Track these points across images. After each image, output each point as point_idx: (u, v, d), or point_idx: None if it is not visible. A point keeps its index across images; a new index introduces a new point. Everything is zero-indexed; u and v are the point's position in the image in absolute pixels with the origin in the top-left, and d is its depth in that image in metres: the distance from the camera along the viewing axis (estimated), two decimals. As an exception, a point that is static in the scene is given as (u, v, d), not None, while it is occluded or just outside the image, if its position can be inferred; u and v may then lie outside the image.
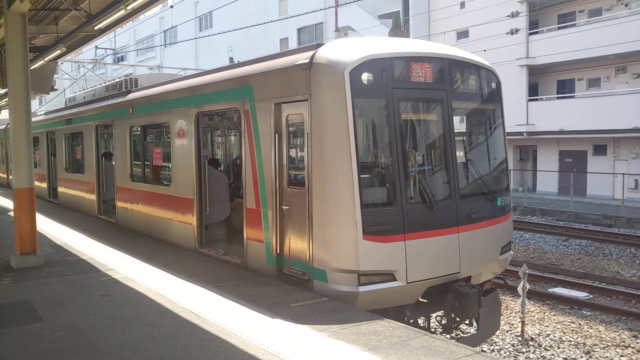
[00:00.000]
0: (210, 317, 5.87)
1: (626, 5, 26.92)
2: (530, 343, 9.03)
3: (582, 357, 8.54)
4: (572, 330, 9.65)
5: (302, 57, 6.73)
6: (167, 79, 11.74)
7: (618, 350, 8.74)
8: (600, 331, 9.56)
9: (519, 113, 28.97)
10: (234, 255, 8.50)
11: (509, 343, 9.05)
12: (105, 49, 32.99)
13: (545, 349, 8.80)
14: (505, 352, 8.73)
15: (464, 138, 7.65)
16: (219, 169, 11.44)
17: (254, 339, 5.22)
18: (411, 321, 6.93)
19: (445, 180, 7.03)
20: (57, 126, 17.02)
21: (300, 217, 6.82)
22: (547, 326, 9.85)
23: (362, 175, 6.28)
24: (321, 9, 31.00)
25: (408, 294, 6.57)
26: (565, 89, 30.37)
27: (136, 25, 53.90)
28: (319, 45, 6.82)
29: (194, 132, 9.12)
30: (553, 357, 8.54)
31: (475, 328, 7.41)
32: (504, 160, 8.07)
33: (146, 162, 11.49)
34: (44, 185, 18.56)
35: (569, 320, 10.15)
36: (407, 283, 6.41)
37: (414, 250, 6.45)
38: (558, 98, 30.05)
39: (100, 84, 14.96)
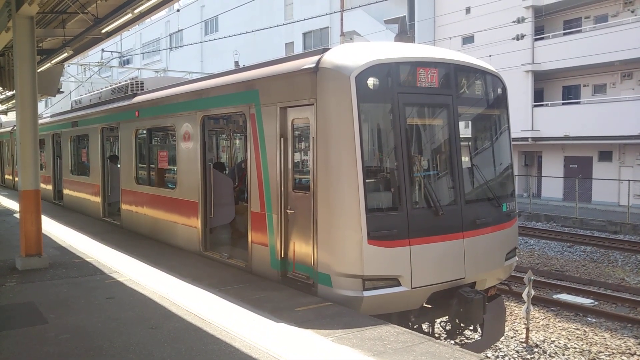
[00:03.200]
0: (214, 321, 5.87)
1: (632, 12, 26.88)
2: (535, 349, 8.99)
3: (587, 364, 8.50)
4: (577, 337, 9.60)
5: (308, 62, 6.74)
6: (173, 82, 11.78)
7: (624, 358, 8.68)
8: (605, 338, 9.51)
9: (524, 119, 28.93)
10: (239, 259, 8.50)
11: (513, 349, 9.01)
12: (111, 52, 33.10)
13: (550, 356, 8.75)
14: (509, 359, 8.69)
15: (470, 143, 7.64)
16: (224, 172, 11.46)
17: (258, 342, 5.22)
18: (415, 326, 6.90)
19: (451, 186, 7.02)
20: (63, 128, 17.09)
21: (305, 221, 6.82)
22: (552, 333, 9.80)
23: (367, 180, 6.28)
24: (327, 14, 31.01)
25: (412, 299, 6.55)
26: (570, 94, 30.31)
27: (142, 29, 54.13)
28: (325, 49, 6.83)
29: (200, 135, 9.14)
30: (558, 364, 8.50)
31: (480, 334, 7.38)
32: (510, 165, 8.05)
33: (151, 165, 11.51)
34: (50, 187, 18.62)
35: (573, 327, 10.10)
36: (412, 288, 6.39)
37: (419, 256, 6.43)
38: (563, 104, 29.99)
39: (106, 87, 15.01)
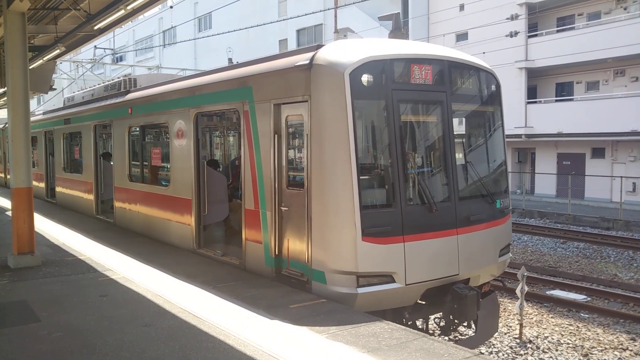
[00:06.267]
0: (208, 318, 5.86)
1: (625, 9, 27.00)
2: (529, 345, 9.03)
3: (580, 359, 8.54)
4: (570, 332, 9.65)
5: (302, 58, 6.72)
6: (166, 79, 11.72)
7: (616, 353, 8.74)
8: (598, 334, 9.57)
9: (517, 115, 29.01)
10: (233, 256, 8.48)
11: (507, 345, 9.05)
12: (104, 49, 32.96)
13: (544, 352, 8.80)
14: (503, 355, 8.73)
15: (464, 140, 7.65)
16: (218, 169, 11.43)
17: (253, 340, 5.21)
18: (409, 323, 6.92)
19: (445, 182, 7.03)
20: (56, 126, 16.99)
21: (299, 218, 6.81)
22: (545, 328, 9.85)
23: (361, 177, 6.27)
24: (320, 11, 30.99)
25: (407, 296, 6.56)
26: (564, 91, 30.44)
27: (135, 26, 53.89)
28: (319, 46, 6.81)
29: (193, 132, 9.10)
30: (551, 359, 8.53)
31: (474, 330, 7.41)
32: (503, 162, 8.07)
33: (144, 163, 11.47)
34: (42, 185, 18.52)
35: (567, 322, 10.15)
36: (406, 285, 6.40)
37: (413, 252, 6.44)
38: (557, 101, 30.12)
39: (99, 84, 14.93)
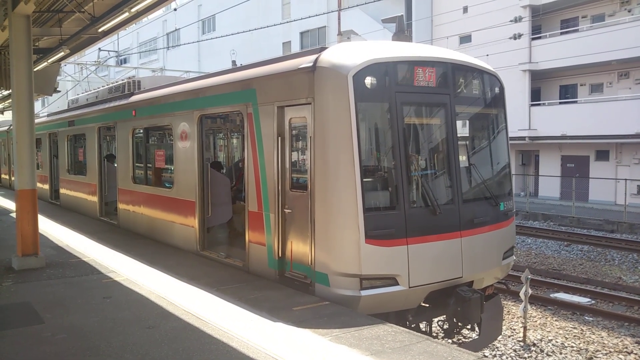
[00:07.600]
0: (211, 320, 5.86)
1: (629, 11, 26.95)
2: (532, 348, 9.00)
3: (584, 363, 8.52)
4: (574, 335, 9.61)
5: (306, 61, 6.73)
6: (170, 81, 11.75)
7: (620, 356, 8.70)
8: (602, 337, 9.53)
9: (521, 118, 28.97)
10: (236, 258, 8.48)
11: (510, 348, 9.02)
12: (108, 51, 32.99)
13: (548, 355, 8.76)
14: (507, 358, 8.70)
15: (467, 142, 7.64)
16: (221, 171, 11.44)
17: (256, 342, 5.21)
18: (413, 326, 6.91)
19: (448, 185, 7.02)
20: (60, 128, 17.05)
21: (302, 221, 6.81)
22: (549, 332, 9.81)
23: (364, 179, 6.27)
24: (324, 13, 31.03)
25: (410, 299, 6.55)
26: (567, 94, 30.38)
27: (139, 28, 54.04)
28: (323, 48, 6.82)
29: (197, 134, 9.12)
30: (555, 362, 8.51)
31: (477, 333, 7.39)
32: (507, 165, 8.05)
33: (148, 165, 11.49)
34: (46, 186, 18.58)
35: (571, 325, 10.11)
36: (410, 287, 6.39)
37: (417, 255, 6.43)
38: (560, 103, 30.06)
39: (103, 86, 14.98)
